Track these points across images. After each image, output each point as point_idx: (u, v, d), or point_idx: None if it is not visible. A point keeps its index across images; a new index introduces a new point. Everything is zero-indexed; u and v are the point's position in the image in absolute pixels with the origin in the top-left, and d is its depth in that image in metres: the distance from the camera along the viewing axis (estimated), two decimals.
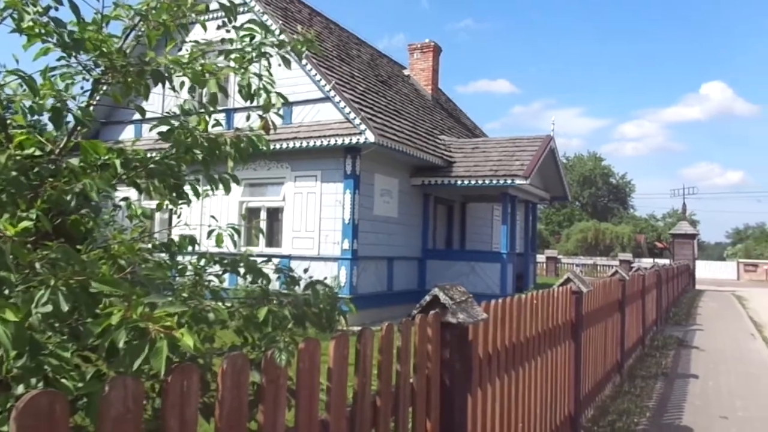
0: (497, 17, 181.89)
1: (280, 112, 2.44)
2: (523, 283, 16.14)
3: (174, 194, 2.19)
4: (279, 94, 2.27)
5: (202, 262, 2.30)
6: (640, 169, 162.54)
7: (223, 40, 2.31)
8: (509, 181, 13.63)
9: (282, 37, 2.42)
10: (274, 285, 2.42)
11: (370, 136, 11.39)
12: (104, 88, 2.29)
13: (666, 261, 30.28)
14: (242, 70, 2.11)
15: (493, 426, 3.20)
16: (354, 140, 11.60)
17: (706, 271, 44.24)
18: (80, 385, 1.43)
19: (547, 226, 60.62)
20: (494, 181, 13.82)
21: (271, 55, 2.24)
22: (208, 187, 2.26)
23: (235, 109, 12.48)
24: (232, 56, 2.15)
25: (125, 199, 2.37)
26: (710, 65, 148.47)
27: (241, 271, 2.34)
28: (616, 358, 7.18)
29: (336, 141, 11.79)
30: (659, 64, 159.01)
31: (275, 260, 2.61)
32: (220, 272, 2.36)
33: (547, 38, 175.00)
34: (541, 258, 34.21)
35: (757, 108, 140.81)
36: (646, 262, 33.05)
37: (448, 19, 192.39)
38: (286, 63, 2.30)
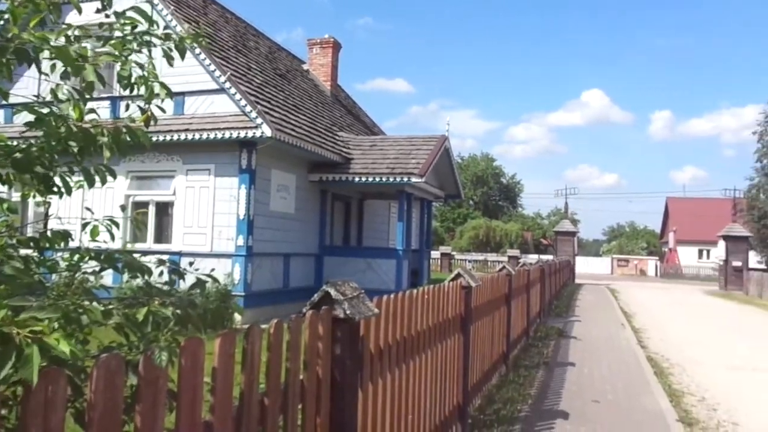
0: (396, 17, 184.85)
1: (164, 104, 2.32)
2: (418, 279, 16.55)
3: (43, 186, 2.02)
4: (162, 85, 2.16)
5: (76, 258, 2.14)
6: (527, 169, 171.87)
7: (101, 25, 2.16)
8: (405, 179, 13.91)
9: (176, 26, 2.30)
10: (162, 281, 2.30)
11: (267, 131, 11.18)
12: None
13: (550, 257, 32.25)
14: (122, 59, 1.98)
15: (383, 419, 3.25)
16: (250, 134, 11.33)
17: (585, 266, 47.62)
18: None
19: (442, 223, 62.51)
20: (391, 179, 14.05)
21: (155, 45, 2.12)
22: (83, 179, 2.11)
23: (121, 97, 11.76)
24: (111, 42, 2.01)
25: None
26: (590, 73, 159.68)
27: (120, 266, 2.20)
28: (503, 349, 7.55)
29: (231, 134, 11.46)
30: (545, 70, 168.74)
31: (163, 257, 2.49)
32: (97, 269, 2.21)
33: (444, 41, 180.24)
34: (435, 254, 35.23)
35: (631, 116, 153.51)
36: (532, 258, 35.04)
37: (347, 15, 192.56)
38: (169, 59, 2.18)
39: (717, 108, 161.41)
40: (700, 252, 56.41)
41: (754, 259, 34.30)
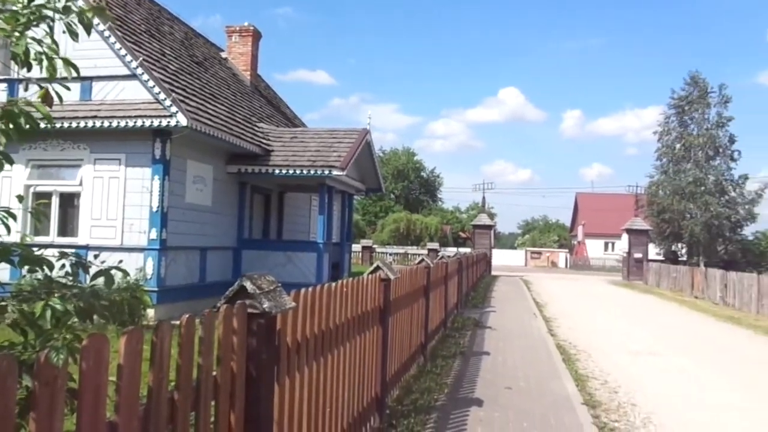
0: (317, 9, 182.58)
1: (69, 86, 2.19)
2: (339, 272, 16.53)
3: None
4: (66, 61, 2.02)
5: None
6: (447, 164, 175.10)
7: None
8: (326, 172, 13.84)
9: (77, 1, 2.15)
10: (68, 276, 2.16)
11: (182, 120, 10.78)
12: None
13: (468, 249, 33.15)
14: (17, 34, 1.84)
15: (301, 413, 3.23)
16: (164, 123, 10.89)
17: (501, 258, 49.24)
18: None
19: (364, 216, 62.74)
20: (312, 172, 13.95)
21: (53, 20, 1.98)
22: None
23: (20, 80, 10.95)
24: (2, 17, 1.86)
25: None
26: (507, 72, 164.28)
27: (16, 260, 2.06)
28: (421, 340, 7.69)
29: (143, 123, 10.96)
30: (465, 67, 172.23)
31: (68, 250, 2.34)
32: None
33: (366, 34, 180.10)
34: (356, 247, 35.30)
35: (544, 114, 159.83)
36: (451, 250, 35.86)
37: (266, 4, 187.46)
38: (72, 34, 2.05)
39: (622, 108, 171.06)
40: (606, 244, 59.86)
41: (653, 251, 36.81)
